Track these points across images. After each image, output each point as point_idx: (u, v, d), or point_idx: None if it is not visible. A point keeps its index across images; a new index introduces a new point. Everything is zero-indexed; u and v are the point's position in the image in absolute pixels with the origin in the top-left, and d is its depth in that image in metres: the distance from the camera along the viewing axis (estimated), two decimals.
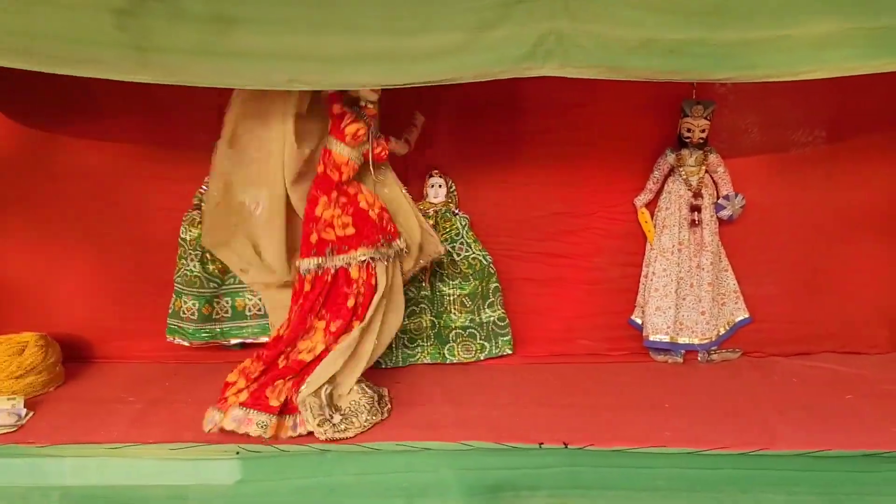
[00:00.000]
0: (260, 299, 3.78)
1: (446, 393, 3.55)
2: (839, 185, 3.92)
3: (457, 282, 3.91)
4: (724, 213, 3.89)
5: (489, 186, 3.92)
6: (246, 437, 3.04)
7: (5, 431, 3.14)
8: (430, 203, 3.91)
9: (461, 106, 3.81)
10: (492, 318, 3.95)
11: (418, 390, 3.58)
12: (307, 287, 3.37)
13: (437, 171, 3.91)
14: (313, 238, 3.36)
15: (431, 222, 3.85)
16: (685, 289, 3.91)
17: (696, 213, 3.86)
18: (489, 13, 2.73)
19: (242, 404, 3.10)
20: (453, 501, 3.03)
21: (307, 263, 3.36)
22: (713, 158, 3.84)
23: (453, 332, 3.92)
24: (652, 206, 3.98)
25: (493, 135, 3.78)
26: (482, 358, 3.93)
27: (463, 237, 3.91)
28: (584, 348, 4.00)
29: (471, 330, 3.93)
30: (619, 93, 3.65)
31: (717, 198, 3.90)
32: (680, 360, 3.95)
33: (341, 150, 3.35)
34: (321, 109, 3.39)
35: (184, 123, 3.74)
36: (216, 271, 3.76)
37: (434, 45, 2.78)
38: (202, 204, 3.68)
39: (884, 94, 3.79)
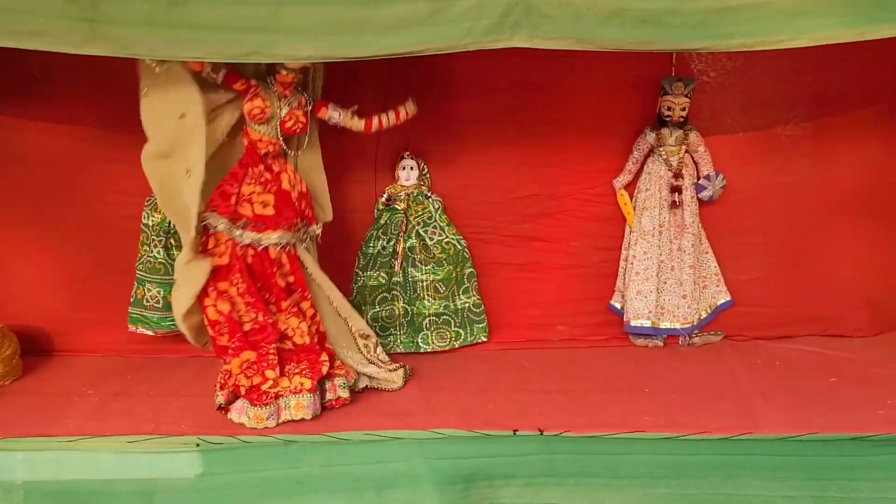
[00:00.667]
0: None
1: (417, 380, 3.45)
2: (821, 166, 3.86)
3: (430, 267, 3.79)
4: (705, 194, 3.81)
5: (463, 168, 3.83)
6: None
7: None
8: (402, 186, 3.80)
9: (433, 83, 3.69)
10: (467, 305, 3.85)
11: None
12: (224, 258, 3.19)
13: (408, 153, 3.79)
14: (232, 200, 3.19)
15: (403, 206, 3.75)
16: (666, 272, 3.85)
17: (676, 193, 3.79)
18: None
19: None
20: (425, 492, 2.92)
21: (216, 220, 3.18)
22: (693, 137, 3.77)
23: (427, 319, 3.81)
24: (631, 187, 3.90)
25: (466, 114, 3.70)
26: (457, 346, 3.84)
27: (436, 221, 3.80)
28: (562, 334, 3.93)
29: (445, 317, 3.82)
30: (596, 70, 3.63)
31: (698, 178, 3.82)
32: (661, 343, 3.89)
33: (252, 126, 3.23)
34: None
35: None
36: None
37: (398, 15, 2.69)
38: None
39: (865, 71, 3.74)
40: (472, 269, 3.86)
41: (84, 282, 3.75)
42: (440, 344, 3.82)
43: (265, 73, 3.24)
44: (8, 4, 2.60)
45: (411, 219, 3.78)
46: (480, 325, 3.86)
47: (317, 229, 3.42)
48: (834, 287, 3.94)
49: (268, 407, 3.03)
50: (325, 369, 3.18)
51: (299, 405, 3.07)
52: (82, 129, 3.63)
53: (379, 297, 3.78)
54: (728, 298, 3.94)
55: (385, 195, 3.83)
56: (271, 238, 3.23)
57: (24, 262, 3.74)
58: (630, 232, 3.89)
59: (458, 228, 3.83)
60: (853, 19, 2.69)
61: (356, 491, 2.93)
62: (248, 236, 3.21)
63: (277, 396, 3.08)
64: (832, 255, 3.93)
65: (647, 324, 3.85)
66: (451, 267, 3.81)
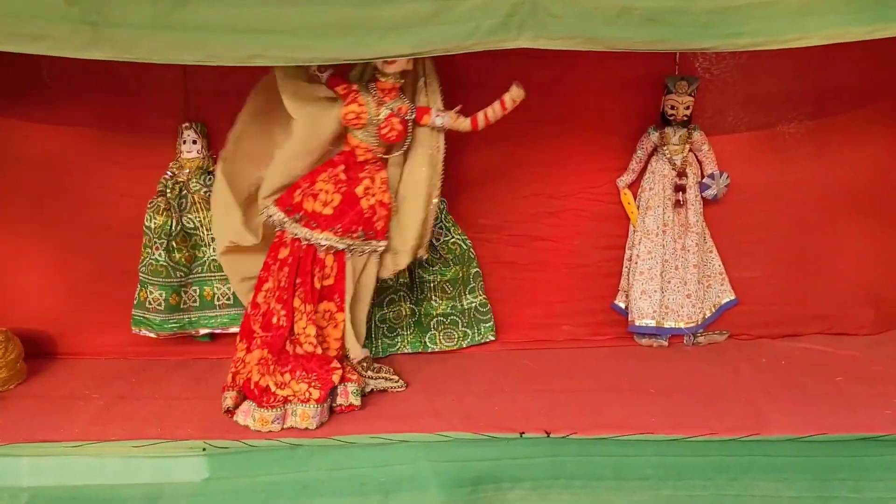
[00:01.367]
0: (229, 287, 3.64)
1: (424, 382, 3.44)
2: (825, 164, 3.84)
3: (437, 268, 3.79)
4: (709, 193, 3.79)
5: (466, 168, 3.78)
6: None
7: None
8: None
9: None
10: (473, 304, 3.84)
11: None
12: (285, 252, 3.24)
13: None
14: (297, 195, 3.22)
15: None
16: (670, 271, 3.83)
17: (680, 192, 3.76)
18: None
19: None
20: (432, 496, 2.92)
21: (274, 211, 3.24)
22: (697, 136, 3.74)
23: (434, 319, 3.81)
24: (635, 186, 3.88)
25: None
26: (464, 345, 3.83)
27: (441, 221, 3.78)
28: (566, 334, 3.91)
29: (452, 317, 3.82)
30: (600, 69, 3.59)
31: (702, 177, 3.80)
32: (665, 343, 3.87)
33: (351, 132, 3.22)
34: None
35: (147, 107, 3.59)
36: (183, 260, 3.62)
37: (402, 15, 2.66)
38: (167, 190, 3.58)
39: (869, 70, 3.71)
40: (477, 269, 3.84)
41: (87, 284, 3.72)
42: (448, 344, 3.81)
43: (367, 79, 3.24)
44: (9, 8, 2.57)
45: None
46: (487, 325, 3.85)
47: (380, 245, 3.34)
48: (838, 285, 3.92)
49: (274, 410, 3.02)
50: (336, 378, 3.15)
51: (305, 415, 3.04)
52: (85, 131, 3.60)
53: (387, 298, 3.77)
54: (732, 297, 3.92)
55: None
56: (318, 238, 3.22)
57: (27, 264, 3.71)
58: (634, 231, 3.87)
59: (462, 229, 3.81)
60: (861, 18, 2.67)
61: (362, 494, 2.92)
62: (299, 231, 3.21)
63: (286, 401, 3.06)
64: (836, 252, 3.91)
65: (652, 323, 3.83)
66: (457, 267, 3.80)
